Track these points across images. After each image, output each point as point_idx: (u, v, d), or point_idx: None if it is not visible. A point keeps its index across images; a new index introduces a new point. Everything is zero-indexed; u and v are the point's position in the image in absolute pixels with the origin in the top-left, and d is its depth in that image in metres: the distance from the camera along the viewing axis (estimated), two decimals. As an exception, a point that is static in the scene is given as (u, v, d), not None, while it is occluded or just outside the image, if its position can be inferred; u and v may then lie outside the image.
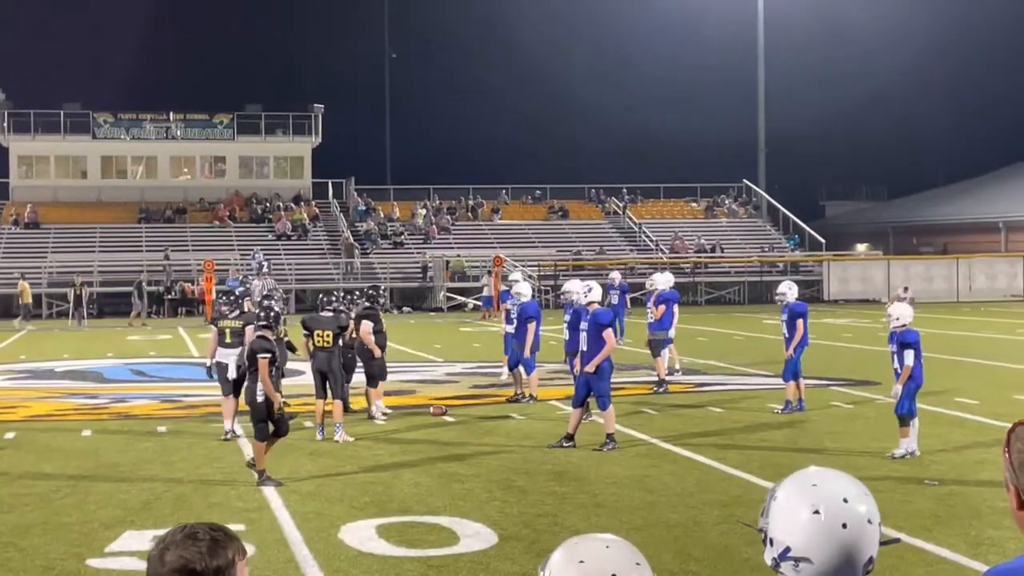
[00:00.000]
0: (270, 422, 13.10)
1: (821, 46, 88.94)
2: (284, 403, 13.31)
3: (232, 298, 17.28)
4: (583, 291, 15.75)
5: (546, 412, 18.42)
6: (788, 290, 18.67)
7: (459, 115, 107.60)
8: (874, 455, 13.91)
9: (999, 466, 11.64)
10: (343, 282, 51.50)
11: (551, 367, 23.74)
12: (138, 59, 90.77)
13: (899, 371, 14.10)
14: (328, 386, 16.25)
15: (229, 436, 16.08)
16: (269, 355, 13.07)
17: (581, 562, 2.67)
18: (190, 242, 55.85)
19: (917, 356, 14.00)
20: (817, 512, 2.80)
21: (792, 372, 18.12)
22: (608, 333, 14.95)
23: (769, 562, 2.87)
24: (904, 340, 13.99)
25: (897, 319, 14.14)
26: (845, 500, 2.81)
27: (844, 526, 2.78)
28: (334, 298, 17.46)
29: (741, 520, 10.25)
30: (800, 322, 18.10)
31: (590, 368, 14.93)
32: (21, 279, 44.63)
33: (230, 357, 16.25)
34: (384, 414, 17.99)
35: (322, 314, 16.79)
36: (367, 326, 17.81)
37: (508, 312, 21.86)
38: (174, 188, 61.53)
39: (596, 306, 15.36)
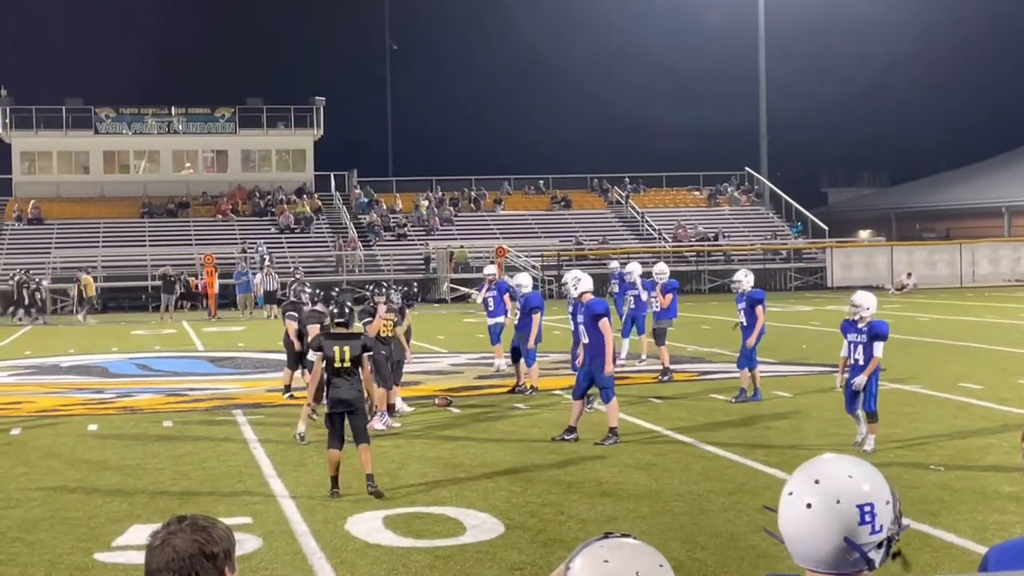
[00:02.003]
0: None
1: (822, 33, 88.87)
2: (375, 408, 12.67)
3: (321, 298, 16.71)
4: (572, 283, 15.59)
5: (550, 402, 18.43)
6: (744, 278, 18.52)
7: (461, 106, 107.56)
8: (878, 440, 13.88)
9: (1004, 451, 11.64)
10: (347, 275, 51.62)
11: (555, 357, 23.77)
12: (139, 54, 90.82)
13: (859, 361, 13.59)
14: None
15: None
16: (372, 353, 12.70)
17: (606, 561, 2.66)
18: (193, 236, 55.90)
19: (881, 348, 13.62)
20: (791, 493, 2.86)
21: (748, 360, 18.07)
22: (604, 323, 14.72)
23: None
24: (878, 332, 13.52)
25: (868, 309, 13.62)
26: (816, 481, 2.85)
27: (808, 506, 2.82)
28: (380, 290, 17.30)
29: (768, 507, 10.20)
30: (759, 309, 18.01)
31: (608, 370, 14.70)
32: (85, 273, 44.92)
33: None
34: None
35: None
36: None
37: (487, 301, 22.12)
38: (176, 182, 61.55)
39: (589, 296, 15.26)
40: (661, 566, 2.67)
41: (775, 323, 33.47)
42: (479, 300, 23.36)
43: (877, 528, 2.81)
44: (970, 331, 29.65)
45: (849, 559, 2.81)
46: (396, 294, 17.69)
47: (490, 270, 23.12)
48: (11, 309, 43.09)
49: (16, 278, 43.26)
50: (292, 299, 20.28)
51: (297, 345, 18.70)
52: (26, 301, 42.40)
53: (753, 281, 18.64)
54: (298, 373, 18.85)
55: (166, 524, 2.93)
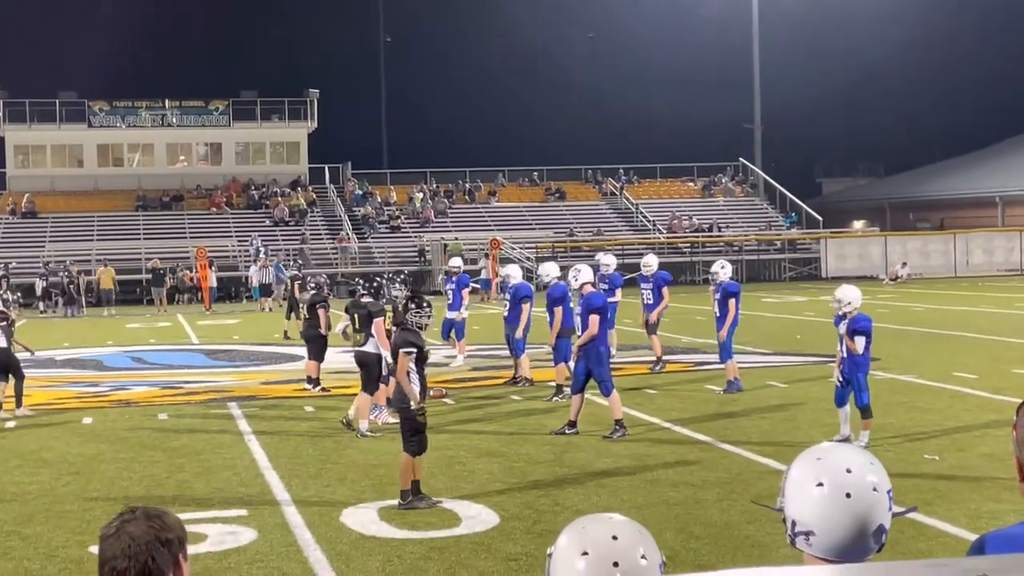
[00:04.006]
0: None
1: (816, 23, 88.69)
2: (422, 407, 11.58)
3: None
4: (572, 275, 15.60)
5: (545, 393, 18.41)
6: (721, 269, 18.53)
7: (455, 98, 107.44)
8: (873, 430, 13.88)
9: (999, 440, 11.67)
10: (341, 267, 51.60)
11: (549, 348, 23.73)
12: (133, 47, 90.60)
13: (844, 355, 13.44)
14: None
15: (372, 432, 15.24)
16: (413, 350, 11.65)
17: (585, 553, 2.63)
18: (188, 229, 55.83)
19: (868, 343, 13.41)
20: (821, 484, 2.83)
21: (725, 352, 18.10)
22: (593, 318, 14.63)
23: (788, 539, 2.90)
24: (859, 327, 13.33)
25: (849, 303, 13.40)
26: (848, 470, 2.84)
27: (848, 496, 2.81)
28: (375, 283, 17.19)
29: (756, 501, 10.23)
30: (732, 302, 18.02)
31: (573, 346, 14.92)
32: (104, 265, 45.26)
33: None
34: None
35: (362, 300, 16.44)
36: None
37: (447, 294, 22.21)
38: (171, 175, 61.49)
39: (589, 288, 15.20)
40: (643, 557, 2.62)
41: (770, 314, 33.53)
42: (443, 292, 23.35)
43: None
44: (964, 321, 29.67)
45: (872, 544, 2.83)
46: (399, 286, 17.58)
47: (454, 262, 23.07)
48: (59, 302, 43.55)
49: (60, 272, 43.80)
50: (315, 289, 20.38)
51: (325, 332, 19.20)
52: (76, 293, 42.97)
53: (730, 272, 18.68)
54: (288, 366, 18.88)
55: (119, 515, 2.98)
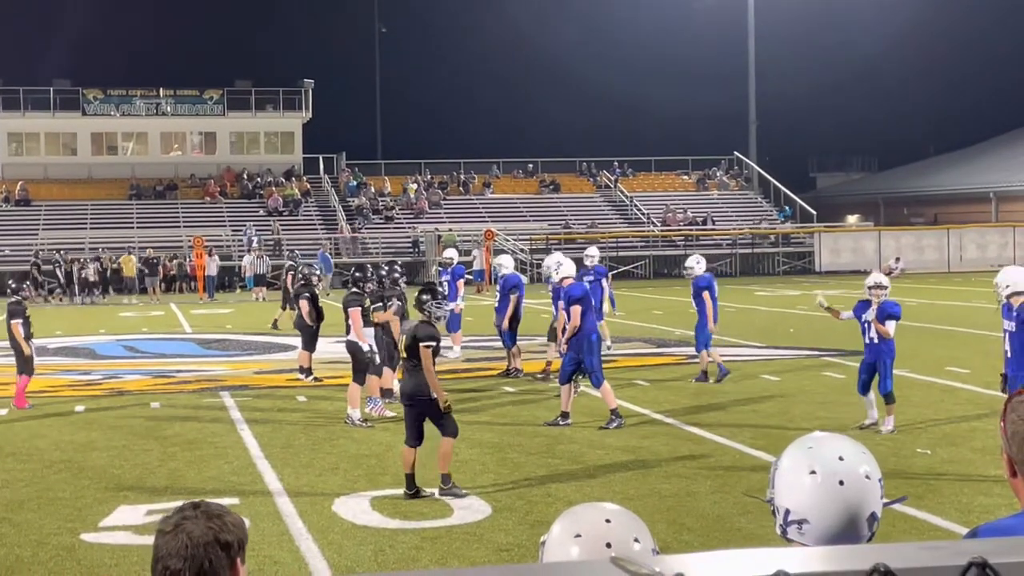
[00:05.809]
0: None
1: (812, 17, 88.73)
2: (446, 401, 11.24)
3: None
4: (554, 267, 15.56)
5: (537, 385, 18.42)
6: (696, 264, 18.66)
7: (450, 89, 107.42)
8: (852, 422, 13.91)
9: (990, 434, 11.69)
10: (335, 258, 51.55)
11: (542, 340, 23.73)
12: (127, 35, 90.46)
13: (875, 340, 13.74)
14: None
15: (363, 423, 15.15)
16: (434, 343, 11.27)
17: (578, 536, 2.63)
18: (181, 218, 55.76)
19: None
20: (814, 472, 2.83)
21: (703, 342, 18.17)
22: (575, 309, 14.67)
23: (778, 530, 2.89)
24: (891, 312, 13.75)
25: (886, 288, 13.93)
26: (841, 458, 2.84)
27: (841, 483, 2.81)
28: (366, 274, 17.14)
29: (747, 493, 10.28)
30: (706, 294, 18.10)
31: (562, 347, 14.88)
32: (126, 253, 45.75)
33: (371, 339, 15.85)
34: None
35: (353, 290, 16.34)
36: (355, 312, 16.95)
37: (441, 286, 22.18)
38: (165, 164, 61.36)
39: (570, 281, 15.24)
40: (636, 539, 2.63)
41: (763, 307, 33.53)
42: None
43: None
44: (957, 316, 29.72)
45: (865, 531, 2.84)
46: (397, 275, 17.50)
47: (448, 253, 23.06)
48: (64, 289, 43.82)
49: (91, 260, 44.11)
50: (303, 281, 20.36)
51: (309, 321, 19.17)
52: (90, 280, 43.32)
53: (705, 267, 18.76)
54: (281, 355, 18.88)
55: (179, 509, 2.83)
